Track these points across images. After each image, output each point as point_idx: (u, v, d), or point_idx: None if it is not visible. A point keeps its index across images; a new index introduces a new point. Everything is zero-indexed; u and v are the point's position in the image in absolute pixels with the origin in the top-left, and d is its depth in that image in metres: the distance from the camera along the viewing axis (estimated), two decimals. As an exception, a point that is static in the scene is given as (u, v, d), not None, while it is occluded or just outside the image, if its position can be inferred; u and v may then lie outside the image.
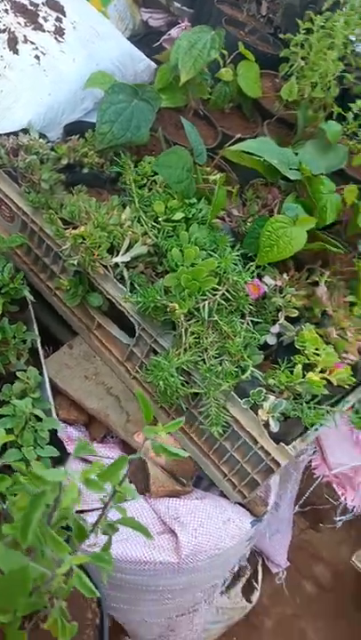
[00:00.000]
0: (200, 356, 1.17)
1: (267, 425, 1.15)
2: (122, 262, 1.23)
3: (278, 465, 1.15)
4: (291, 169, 1.38)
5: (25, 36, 1.56)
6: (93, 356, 1.39)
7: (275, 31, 2.00)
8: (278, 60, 1.79)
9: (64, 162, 1.35)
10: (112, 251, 1.24)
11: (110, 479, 0.65)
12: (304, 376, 1.17)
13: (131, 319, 1.24)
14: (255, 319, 1.25)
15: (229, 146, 1.43)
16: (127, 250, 1.24)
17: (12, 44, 1.53)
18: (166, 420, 1.28)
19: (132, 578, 1.22)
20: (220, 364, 1.17)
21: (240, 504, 1.30)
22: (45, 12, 1.66)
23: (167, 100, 1.53)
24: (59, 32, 1.64)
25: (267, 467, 1.16)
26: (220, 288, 1.21)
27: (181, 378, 1.15)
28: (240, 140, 1.45)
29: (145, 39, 2.35)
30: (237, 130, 1.66)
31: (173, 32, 2.26)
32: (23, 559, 0.57)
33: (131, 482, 1.24)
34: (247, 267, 1.27)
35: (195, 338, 1.17)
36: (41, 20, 1.62)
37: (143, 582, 1.22)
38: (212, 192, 1.35)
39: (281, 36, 1.76)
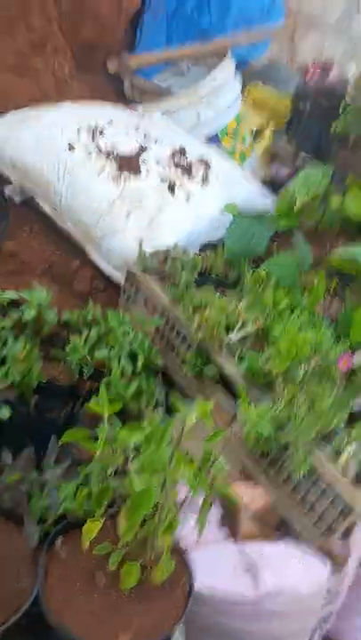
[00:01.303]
0: (291, 411, 1.38)
1: (347, 470, 1.29)
2: (235, 340, 1.53)
3: (353, 509, 1.27)
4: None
5: (180, 183, 2.07)
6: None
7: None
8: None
9: (198, 269, 1.74)
10: (228, 331, 1.55)
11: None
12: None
13: (236, 385, 1.51)
14: (343, 389, 1.44)
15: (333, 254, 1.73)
16: (240, 329, 1.54)
17: (171, 189, 2.04)
18: (257, 470, 1.46)
19: (214, 620, 1.32)
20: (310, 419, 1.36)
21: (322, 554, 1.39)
22: (197, 166, 2.18)
23: (284, 222, 1.89)
24: (205, 180, 2.14)
25: (347, 510, 1.29)
26: (314, 356, 1.44)
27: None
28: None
29: (273, 187, 2.81)
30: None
31: (297, 179, 2.71)
32: (149, 481, 0.86)
33: (222, 525, 1.42)
34: (340, 342, 1.50)
35: (289, 397, 1.40)
36: (193, 172, 2.14)
37: (224, 622, 1.32)
38: (313, 289, 1.64)
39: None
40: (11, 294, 1.49)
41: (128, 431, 1.03)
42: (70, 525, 1.08)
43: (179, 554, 1.11)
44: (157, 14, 2.94)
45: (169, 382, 1.65)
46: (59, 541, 1.06)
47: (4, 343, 1.39)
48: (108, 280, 1.99)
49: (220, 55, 2.81)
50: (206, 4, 2.95)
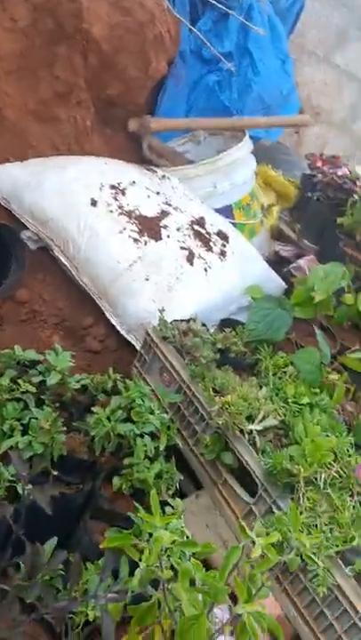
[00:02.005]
0: (313, 521, 1.35)
1: (368, 594, 1.25)
2: (256, 429, 1.49)
3: (376, 637, 1.22)
4: None
5: (199, 254, 2.06)
6: (214, 509, 1.58)
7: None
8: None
9: (218, 346, 1.71)
10: (248, 419, 1.51)
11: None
12: None
13: (256, 479, 1.46)
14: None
15: (349, 353, 1.74)
16: (261, 420, 1.50)
17: (190, 258, 2.03)
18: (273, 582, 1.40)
19: None
20: (331, 532, 1.33)
21: None
22: (215, 239, 2.19)
23: (300, 312, 1.90)
24: (222, 254, 2.15)
25: (367, 635, 1.24)
26: (334, 465, 1.42)
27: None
28: (357, 350, 1.78)
29: (275, 265, 2.86)
30: (353, 343, 1.98)
31: (301, 262, 2.76)
32: (200, 607, 0.77)
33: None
34: (358, 452, 1.49)
35: (310, 503, 1.36)
36: (212, 245, 2.14)
37: None
38: (332, 387, 1.64)
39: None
40: (33, 355, 1.41)
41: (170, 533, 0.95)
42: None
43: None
44: (179, 82, 3.00)
45: (178, 460, 1.59)
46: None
47: (25, 408, 1.30)
48: (119, 339, 1.93)
49: (236, 131, 2.89)
50: (228, 80, 3.04)
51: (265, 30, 2.90)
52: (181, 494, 1.60)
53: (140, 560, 0.86)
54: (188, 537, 1.19)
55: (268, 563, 0.85)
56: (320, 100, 3.74)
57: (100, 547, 0.90)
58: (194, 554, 0.91)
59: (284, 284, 2.40)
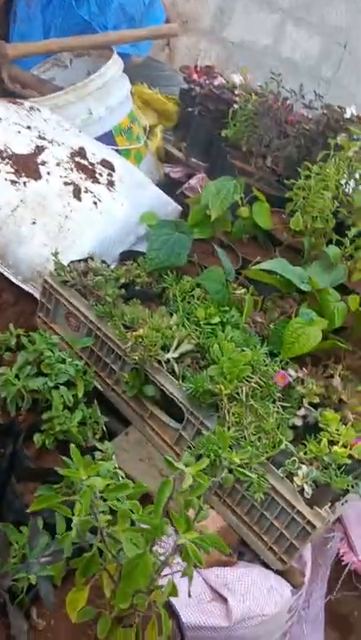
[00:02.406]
0: (241, 434, 1.37)
1: (301, 491, 1.31)
2: (172, 358, 1.47)
3: (314, 527, 1.29)
4: (303, 282, 1.68)
5: (86, 187, 1.94)
6: (146, 442, 1.57)
7: (278, 178, 2.41)
8: (283, 199, 2.16)
9: (122, 281, 1.64)
10: (164, 349, 1.48)
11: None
12: (330, 450, 1.36)
13: (180, 405, 1.45)
14: (284, 404, 1.46)
15: (252, 266, 1.74)
16: (176, 347, 1.48)
17: (77, 193, 1.90)
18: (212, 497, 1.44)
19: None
20: (259, 440, 1.36)
21: (280, 575, 1.42)
22: (100, 169, 2.06)
23: (198, 233, 1.86)
24: (110, 184, 2.03)
25: (304, 531, 1.31)
26: (253, 377, 1.44)
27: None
28: (258, 262, 1.78)
29: (167, 188, 2.77)
30: (254, 255, 1.98)
31: (192, 182, 2.70)
32: (143, 546, 0.75)
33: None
34: (273, 360, 1.51)
35: (236, 418, 1.38)
36: (97, 175, 2.01)
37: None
38: (240, 302, 1.64)
39: (285, 181, 2.15)
40: None
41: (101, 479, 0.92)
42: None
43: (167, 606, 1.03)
44: (31, 1, 2.72)
45: (100, 402, 1.54)
46: (34, 612, 0.93)
47: None
48: (16, 291, 1.80)
49: (103, 49, 2.68)
50: (85, -7, 2.79)
51: None
52: (111, 435, 1.58)
53: (74, 514, 0.82)
54: (122, 477, 1.17)
55: (201, 488, 0.84)
56: (185, 7, 3.55)
57: (28, 510, 0.86)
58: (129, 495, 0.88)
59: (179, 207, 2.33)
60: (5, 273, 1.80)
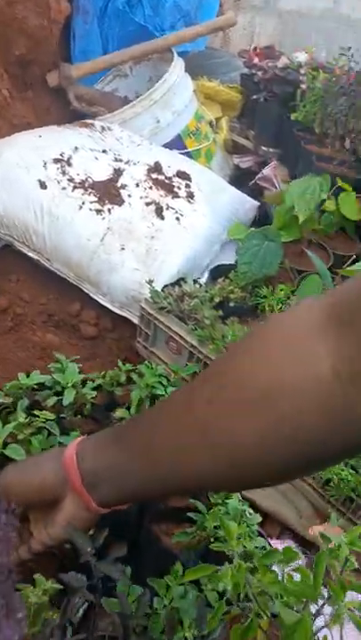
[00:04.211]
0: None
1: None
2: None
3: None
4: None
5: (167, 204, 1.89)
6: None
7: (357, 159, 2.25)
8: (366, 183, 2.02)
9: (216, 300, 1.60)
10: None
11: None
12: None
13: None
14: None
15: (348, 266, 1.63)
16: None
17: (159, 212, 1.86)
18: (332, 509, 1.39)
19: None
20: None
21: None
22: (177, 181, 2.00)
23: (286, 236, 1.77)
24: (190, 196, 1.97)
25: None
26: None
27: (351, 470, 1.28)
28: (350, 257, 1.67)
29: (239, 180, 2.68)
30: (345, 249, 1.87)
31: (265, 171, 2.57)
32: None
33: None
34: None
35: None
36: (176, 190, 1.96)
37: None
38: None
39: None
40: (38, 377, 1.29)
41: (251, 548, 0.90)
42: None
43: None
44: (87, 16, 2.66)
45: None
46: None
47: (49, 435, 1.21)
48: (113, 317, 1.81)
49: (163, 52, 2.60)
50: (136, -5, 2.70)
51: None
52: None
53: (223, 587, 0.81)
54: (249, 512, 1.15)
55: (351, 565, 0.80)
56: (235, -13, 3.36)
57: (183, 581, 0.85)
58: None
59: (256, 202, 2.24)
60: (102, 301, 1.81)
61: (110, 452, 0.72)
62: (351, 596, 0.77)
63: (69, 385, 1.27)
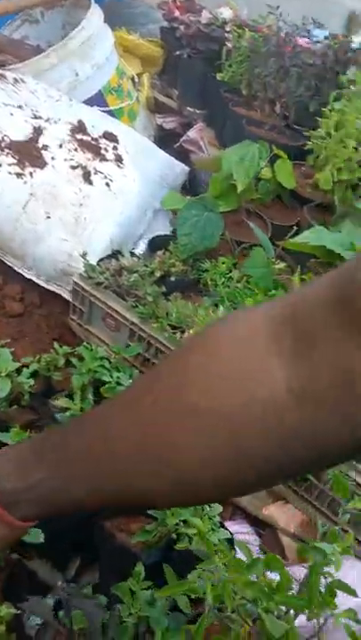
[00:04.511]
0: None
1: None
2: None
3: None
4: (345, 250, 1.54)
5: (95, 168, 1.73)
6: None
7: (288, 124, 2.20)
8: (300, 150, 1.98)
9: (157, 274, 1.49)
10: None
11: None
12: None
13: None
14: None
15: (289, 238, 1.59)
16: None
17: (87, 176, 1.69)
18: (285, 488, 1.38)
19: None
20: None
21: None
22: (104, 143, 1.84)
23: (224, 205, 1.69)
24: (118, 159, 1.82)
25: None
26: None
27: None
28: (290, 227, 1.63)
29: (163, 141, 2.54)
30: (282, 218, 1.82)
31: (191, 133, 2.46)
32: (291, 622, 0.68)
33: (265, 552, 1.32)
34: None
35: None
36: (103, 152, 1.80)
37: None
38: (282, 281, 1.51)
39: (298, 128, 1.95)
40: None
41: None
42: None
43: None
44: None
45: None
46: None
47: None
48: (41, 291, 1.65)
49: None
50: None
51: None
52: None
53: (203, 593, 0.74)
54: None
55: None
56: None
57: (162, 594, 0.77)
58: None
59: (186, 167, 2.12)
60: (27, 274, 1.64)
61: (31, 470, 0.61)
62: (343, 598, 0.74)
63: (3, 374, 1.12)
